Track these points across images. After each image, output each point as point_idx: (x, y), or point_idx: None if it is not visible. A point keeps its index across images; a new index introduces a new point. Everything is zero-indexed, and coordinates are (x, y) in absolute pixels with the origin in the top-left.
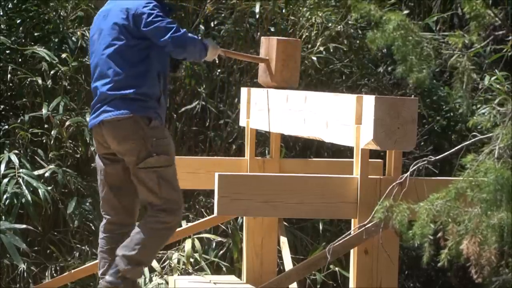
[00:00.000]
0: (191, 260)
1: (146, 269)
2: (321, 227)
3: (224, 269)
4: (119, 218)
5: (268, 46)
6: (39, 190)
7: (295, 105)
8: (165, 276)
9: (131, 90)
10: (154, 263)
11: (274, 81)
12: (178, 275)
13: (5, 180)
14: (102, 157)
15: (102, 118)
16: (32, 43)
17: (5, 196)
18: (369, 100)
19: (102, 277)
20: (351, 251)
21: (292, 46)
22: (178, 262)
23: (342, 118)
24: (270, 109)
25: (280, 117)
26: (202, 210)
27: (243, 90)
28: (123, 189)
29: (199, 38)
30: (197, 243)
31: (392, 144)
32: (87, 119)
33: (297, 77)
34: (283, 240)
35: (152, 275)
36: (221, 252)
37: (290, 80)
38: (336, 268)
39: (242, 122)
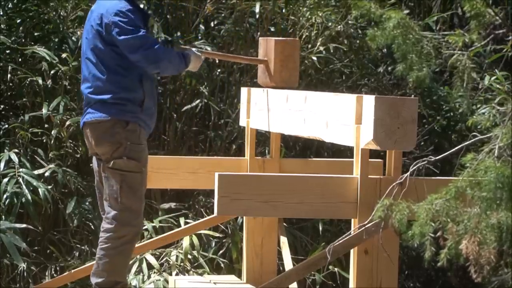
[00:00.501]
0: (190, 257)
1: (144, 267)
2: (321, 228)
3: (222, 265)
4: None
5: (267, 47)
6: (39, 190)
7: (295, 105)
8: (164, 273)
9: (109, 96)
10: (153, 261)
11: (273, 81)
12: (177, 272)
13: (5, 180)
14: (95, 157)
15: (85, 119)
16: (32, 43)
17: (5, 196)
18: (369, 100)
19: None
20: (351, 251)
21: (290, 46)
22: (177, 260)
23: (342, 118)
24: (270, 109)
25: (280, 117)
26: (202, 210)
27: (243, 90)
28: None
29: (175, 50)
30: (195, 239)
31: (392, 144)
32: None
33: (297, 77)
34: (283, 240)
35: (150, 273)
36: (221, 251)
37: (289, 80)
38: (336, 269)
39: (242, 122)
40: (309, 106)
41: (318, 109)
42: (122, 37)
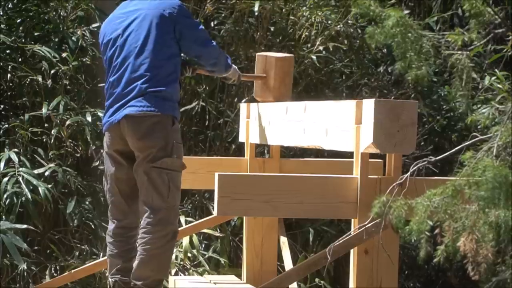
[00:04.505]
0: (189, 255)
1: None
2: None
3: (222, 262)
4: (127, 222)
5: (266, 63)
6: (39, 189)
7: (294, 115)
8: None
9: (163, 88)
10: None
11: (273, 97)
12: (176, 271)
13: (5, 179)
14: (113, 155)
15: (127, 112)
16: (32, 43)
17: (5, 195)
18: (368, 104)
19: (112, 277)
20: (351, 251)
21: (288, 62)
22: (176, 259)
23: (341, 124)
24: (270, 122)
25: (280, 129)
26: (202, 210)
27: (243, 106)
28: (133, 194)
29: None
30: (195, 239)
31: (392, 147)
32: (88, 118)
33: (291, 90)
34: (283, 240)
35: None
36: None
37: (286, 94)
38: (322, 282)
39: (242, 138)
40: (308, 115)
41: (317, 118)
42: (192, 30)
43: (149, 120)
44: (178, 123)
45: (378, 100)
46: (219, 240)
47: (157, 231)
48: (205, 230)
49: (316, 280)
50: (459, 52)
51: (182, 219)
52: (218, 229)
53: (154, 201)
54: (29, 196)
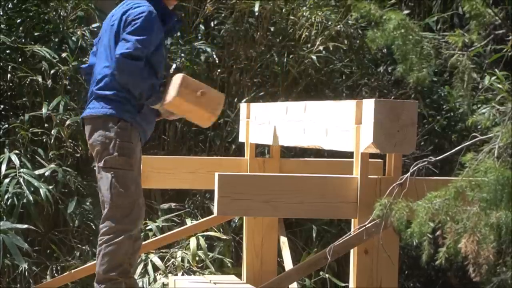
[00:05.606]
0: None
1: (150, 268)
2: (314, 235)
3: (228, 263)
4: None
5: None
6: (41, 190)
7: (294, 115)
8: (170, 275)
9: (112, 92)
10: (158, 262)
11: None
12: (183, 273)
13: (6, 180)
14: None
15: (83, 115)
16: (32, 43)
17: (6, 196)
18: (368, 104)
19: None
20: (351, 251)
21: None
22: (182, 261)
23: (341, 123)
24: (270, 121)
25: (280, 129)
26: (203, 210)
27: (243, 106)
28: None
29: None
30: (202, 241)
31: (392, 147)
32: None
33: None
34: (283, 240)
35: (156, 274)
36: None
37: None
38: (327, 275)
39: (242, 138)
40: (308, 115)
41: (317, 118)
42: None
43: (95, 121)
44: (129, 123)
45: (378, 100)
46: (222, 240)
47: (102, 227)
48: (210, 233)
49: (321, 273)
50: (460, 52)
51: (188, 221)
52: (221, 230)
53: (103, 199)
54: (30, 198)
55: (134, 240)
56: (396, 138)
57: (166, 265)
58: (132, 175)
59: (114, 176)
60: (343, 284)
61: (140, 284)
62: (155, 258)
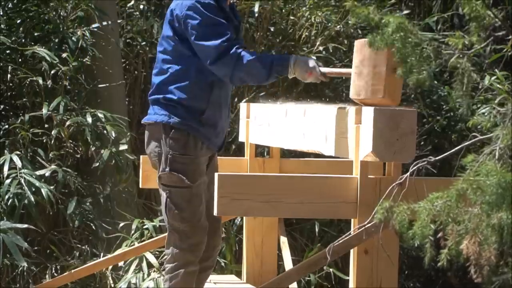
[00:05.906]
0: None
1: (144, 265)
2: (317, 229)
3: (222, 264)
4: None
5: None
6: (42, 190)
7: (294, 119)
8: (163, 272)
9: (161, 96)
10: (152, 259)
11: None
12: None
13: (8, 181)
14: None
15: (143, 120)
16: (32, 43)
17: (7, 197)
18: (368, 112)
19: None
20: (351, 251)
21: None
22: None
23: (341, 130)
24: (270, 123)
25: (280, 131)
26: None
27: (242, 106)
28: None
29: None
30: None
31: (391, 156)
32: (88, 119)
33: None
34: (283, 240)
35: (150, 271)
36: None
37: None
38: (331, 270)
39: (242, 138)
40: (308, 119)
41: (317, 123)
42: (195, 40)
43: (150, 129)
44: (186, 132)
45: (378, 108)
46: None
47: (165, 254)
48: None
49: (325, 268)
50: (459, 53)
51: None
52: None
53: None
54: (32, 199)
55: (200, 272)
56: (395, 146)
57: (160, 262)
58: (189, 193)
59: (168, 195)
60: (348, 278)
61: (133, 280)
62: (149, 256)
